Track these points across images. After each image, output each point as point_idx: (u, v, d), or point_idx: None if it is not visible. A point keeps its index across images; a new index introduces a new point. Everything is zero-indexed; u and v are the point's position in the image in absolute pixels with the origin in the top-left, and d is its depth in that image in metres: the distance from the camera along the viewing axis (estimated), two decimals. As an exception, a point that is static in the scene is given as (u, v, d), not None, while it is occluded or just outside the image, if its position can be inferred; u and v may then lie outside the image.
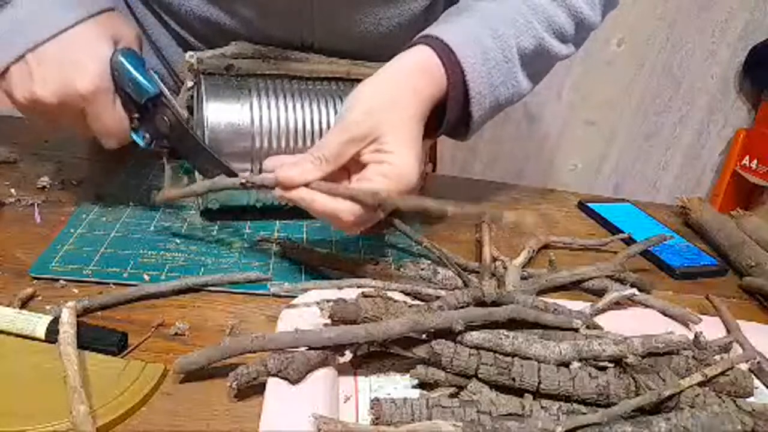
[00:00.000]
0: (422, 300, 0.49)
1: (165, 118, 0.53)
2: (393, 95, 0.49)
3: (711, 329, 0.50)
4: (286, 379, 0.38)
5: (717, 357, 0.45)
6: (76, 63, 0.48)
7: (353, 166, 0.49)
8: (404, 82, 0.51)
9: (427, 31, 0.55)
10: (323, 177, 0.47)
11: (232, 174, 0.53)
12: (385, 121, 0.48)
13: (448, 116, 0.54)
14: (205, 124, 0.56)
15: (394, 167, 0.47)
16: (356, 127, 0.47)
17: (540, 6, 0.58)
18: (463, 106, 0.55)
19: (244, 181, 0.49)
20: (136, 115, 0.53)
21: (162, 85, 0.52)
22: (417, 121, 0.50)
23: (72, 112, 0.50)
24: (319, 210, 0.47)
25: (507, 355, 0.40)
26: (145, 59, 0.52)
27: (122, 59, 0.50)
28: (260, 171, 0.58)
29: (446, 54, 0.52)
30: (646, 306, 0.53)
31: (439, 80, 0.52)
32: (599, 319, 0.49)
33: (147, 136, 0.54)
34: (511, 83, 0.57)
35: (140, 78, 0.51)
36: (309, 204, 0.47)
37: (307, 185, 0.47)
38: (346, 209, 0.47)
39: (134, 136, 0.54)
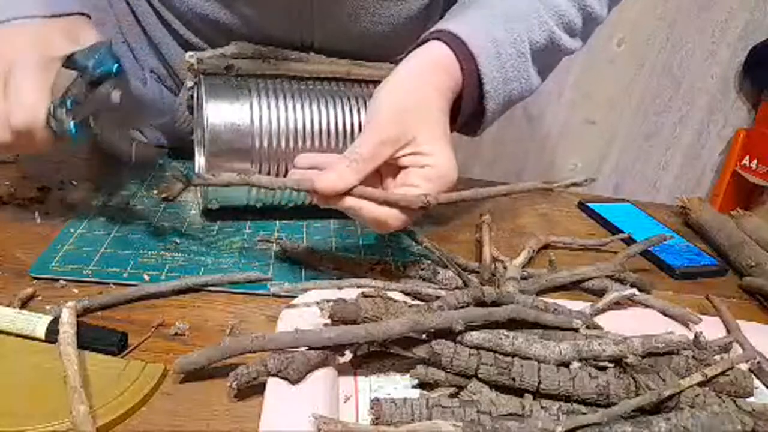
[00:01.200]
0: (422, 300, 0.49)
1: (117, 91, 0.50)
2: (417, 94, 0.50)
3: (711, 329, 0.50)
4: (286, 379, 0.38)
5: (717, 357, 0.45)
6: (12, 34, 0.49)
7: (385, 168, 0.49)
8: (424, 79, 0.51)
9: (439, 25, 0.55)
10: (361, 180, 0.47)
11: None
12: (416, 122, 0.48)
13: (463, 110, 0.54)
14: (205, 124, 0.56)
15: (435, 169, 0.48)
16: (388, 129, 0.47)
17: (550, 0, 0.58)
18: (477, 101, 0.55)
19: (280, 185, 0.48)
20: (75, 92, 0.49)
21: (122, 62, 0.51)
22: (444, 116, 0.51)
23: None
24: (367, 217, 0.47)
25: (507, 355, 0.40)
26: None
27: (88, 45, 0.50)
28: (260, 172, 0.58)
29: (460, 48, 0.52)
30: (646, 306, 0.53)
31: (454, 74, 0.52)
32: (599, 319, 0.49)
33: (77, 116, 0.49)
34: (524, 77, 0.57)
35: (104, 53, 0.50)
36: (356, 212, 0.47)
37: (348, 192, 0.46)
38: (395, 215, 0.47)
39: (59, 111, 0.49)
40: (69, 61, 0.50)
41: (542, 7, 0.57)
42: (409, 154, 0.48)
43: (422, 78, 0.51)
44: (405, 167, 0.49)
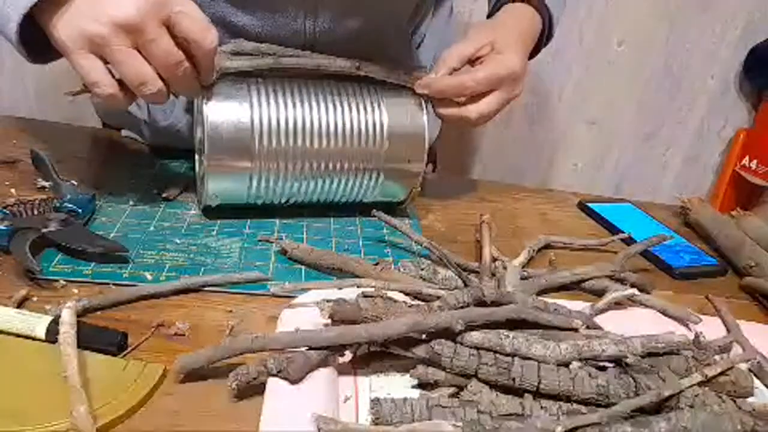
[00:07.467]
0: (422, 300, 0.49)
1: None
2: (504, 21, 0.67)
3: (711, 329, 0.50)
4: (286, 379, 0.38)
5: (717, 357, 0.45)
6: None
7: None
8: (510, 18, 0.68)
9: None
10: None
11: (121, 257, 0.52)
12: (495, 32, 0.64)
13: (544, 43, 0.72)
14: (205, 123, 0.56)
15: (503, 58, 0.62)
16: (476, 39, 0.64)
17: None
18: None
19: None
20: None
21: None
22: (522, 37, 0.66)
23: (130, 40, 0.47)
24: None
25: (507, 355, 0.40)
26: None
27: None
28: (261, 170, 0.58)
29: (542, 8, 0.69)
30: (646, 306, 0.53)
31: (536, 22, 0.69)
32: (599, 319, 0.49)
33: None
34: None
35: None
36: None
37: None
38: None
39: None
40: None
41: None
42: (487, 53, 0.63)
43: (509, 17, 0.68)
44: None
